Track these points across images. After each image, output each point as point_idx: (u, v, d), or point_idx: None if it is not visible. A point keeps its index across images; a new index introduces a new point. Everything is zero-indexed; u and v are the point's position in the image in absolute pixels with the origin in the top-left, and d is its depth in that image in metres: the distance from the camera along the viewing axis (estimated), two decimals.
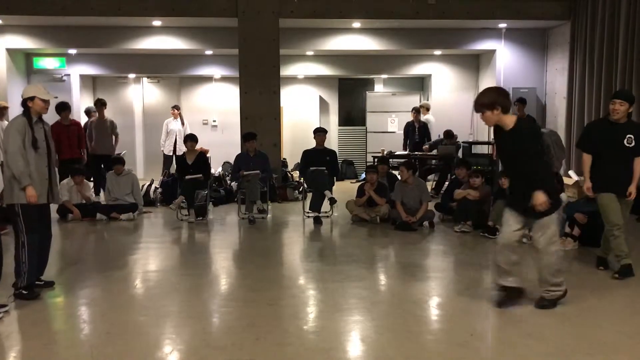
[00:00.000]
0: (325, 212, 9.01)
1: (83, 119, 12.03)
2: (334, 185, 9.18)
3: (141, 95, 14.98)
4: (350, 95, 15.49)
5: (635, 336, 4.21)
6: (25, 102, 5.12)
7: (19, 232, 5.05)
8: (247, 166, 9.09)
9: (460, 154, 11.70)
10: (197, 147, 9.58)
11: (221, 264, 6.61)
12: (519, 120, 4.65)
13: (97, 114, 11.95)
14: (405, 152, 12.26)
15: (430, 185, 11.53)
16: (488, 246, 7.21)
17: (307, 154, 9.37)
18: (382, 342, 4.13)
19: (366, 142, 14.88)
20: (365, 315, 4.68)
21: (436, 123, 13.89)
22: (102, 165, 10.71)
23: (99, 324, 4.58)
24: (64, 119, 9.90)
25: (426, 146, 12.37)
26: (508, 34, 12.74)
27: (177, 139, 12.55)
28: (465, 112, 14.14)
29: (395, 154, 12.11)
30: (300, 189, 10.29)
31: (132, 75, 14.64)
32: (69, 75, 13.65)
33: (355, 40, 12.77)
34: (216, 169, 12.47)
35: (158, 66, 13.98)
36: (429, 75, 14.42)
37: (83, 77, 14.04)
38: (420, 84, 15.28)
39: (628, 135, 5.50)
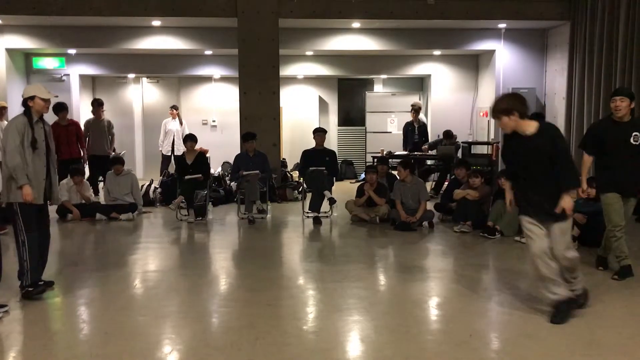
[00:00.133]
0: (325, 212, 9.01)
1: (82, 119, 12.01)
2: (333, 185, 9.18)
3: (141, 95, 14.98)
4: (350, 95, 15.49)
5: (634, 337, 4.21)
6: (25, 102, 5.13)
7: (19, 230, 5.07)
8: (246, 166, 9.10)
9: (459, 154, 11.71)
10: (197, 147, 9.58)
11: (221, 264, 6.61)
12: (543, 124, 4.58)
13: (103, 112, 12.03)
14: (405, 152, 12.26)
15: (429, 186, 11.54)
16: (487, 246, 7.22)
17: (306, 154, 9.38)
18: (381, 342, 4.13)
19: (365, 142, 14.88)
20: (365, 315, 4.68)
21: (435, 123, 13.96)
22: (100, 166, 10.71)
23: (98, 324, 4.58)
24: (62, 119, 9.90)
25: (425, 146, 12.39)
26: (507, 34, 12.75)
27: (175, 139, 12.57)
28: (465, 112, 14.17)
29: (395, 154, 12.11)
30: (300, 189, 10.29)
31: (131, 75, 14.64)
32: (68, 75, 13.64)
33: (354, 40, 12.77)
34: (216, 169, 12.48)
35: (157, 66, 13.98)
36: (429, 76, 14.42)
37: (82, 77, 14.03)
38: (420, 84, 15.29)
39: (634, 133, 5.45)
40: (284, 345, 4.07)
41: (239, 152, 10.03)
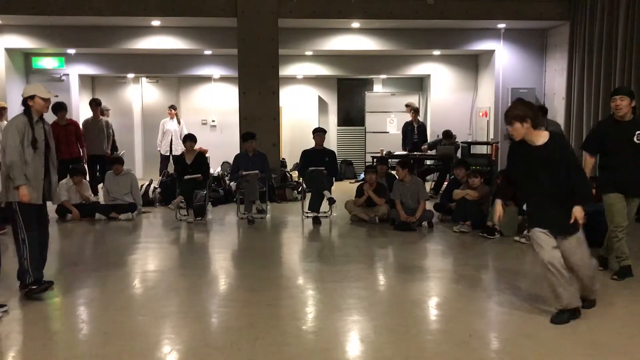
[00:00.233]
0: (324, 212, 9.01)
1: (82, 119, 12.01)
2: (332, 185, 9.18)
3: (140, 95, 14.98)
4: (349, 95, 15.49)
5: (634, 337, 4.22)
6: (25, 101, 5.12)
7: (19, 229, 5.05)
8: (246, 166, 9.09)
9: (459, 154, 11.71)
10: (196, 147, 9.57)
11: (220, 264, 6.61)
12: (554, 135, 4.57)
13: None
14: (404, 152, 12.26)
15: (429, 186, 11.55)
16: (487, 246, 7.23)
17: (306, 154, 9.38)
18: (381, 342, 4.13)
19: (365, 142, 14.88)
20: (364, 315, 4.69)
21: (435, 123, 13.96)
22: (98, 166, 10.72)
23: (97, 324, 4.58)
24: (61, 119, 9.89)
25: (425, 146, 12.40)
26: (507, 34, 12.75)
27: (173, 138, 12.60)
28: (464, 112, 14.16)
29: (394, 154, 12.11)
30: (299, 189, 10.29)
31: (131, 75, 14.63)
32: (67, 75, 13.63)
33: (354, 40, 12.77)
34: (215, 169, 12.49)
35: (157, 66, 13.97)
36: (428, 76, 14.42)
37: (82, 77, 14.02)
38: (419, 84, 15.29)
39: (637, 132, 5.42)
40: (284, 345, 4.07)
41: (238, 152, 10.02)
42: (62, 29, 12.21)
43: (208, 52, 13.44)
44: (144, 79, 14.91)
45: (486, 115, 13.41)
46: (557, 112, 12.22)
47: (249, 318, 4.59)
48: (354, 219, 8.76)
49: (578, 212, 4.39)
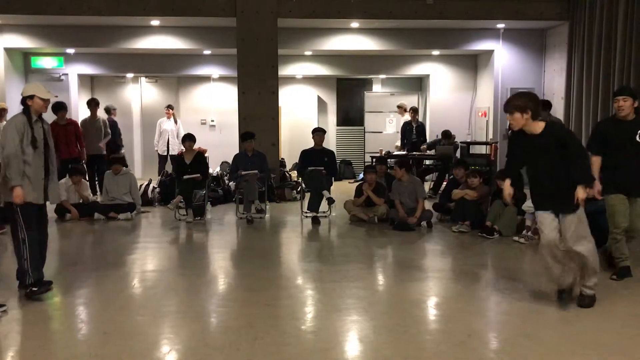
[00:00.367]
0: (324, 212, 9.01)
1: (81, 119, 12.01)
2: (332, 185, 9.18)
3: (139, 94, 14.97)
4: (349, 95, 15.49)
5: (633, 337, 4.22)
6: (24, 101, 5.10)
7: (19, 229, 5.03)
8: (245, 166, 9.09)
9: (458, 154, 11.71)
10: (195, 146, 9.57)
11: (219, 263, 6.61)
12: (548, 123, 4.75)
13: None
14: (403, 152, 12.27)
15: (428, 186, 11.56)
16: (486, 246, 7.23)
17: (305, 154, 9.38)
18: (380, 342, 4.13)
19: (364, 142, 14.89)
20: (363, 315, 4.69)
21: (434, 123, 13.97)
22: (96, 166, 10.71)
23: (96, 323, 4.58)
24: (60, 118, 9.89)
25: (424, 146, 12.41)
26: (506, 34, 12.75)
27: (170, 138, 12.62)
28: (464, 112, 14.16)
29: (394, 154, 12.12)
30: (299, 189, 10.29)
31: (130, 75, 14.63)
32: (67, 74, 13.63)
33: (353, 40, 12.77)
34: (214, 169, 12.48)
35: (156, 66, 13.97)
36: (427, 76, 14.42)
37: (81, 77, 14.02)
38: (419, 84, 15.29)
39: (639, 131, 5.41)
40: (283, 345, 4.07)
41: (237, 151, 10.02)
42: (61, 29, 12.21)
43: (207, 51, 13.44)
44: (143, 79, 14.90)
45: (485, 115, 13.42)
46: (557, 112, 12.21)
47: (248, 318, 4.59)
48: (353, 219, 8.76)
49: (580, 192, 4.59)
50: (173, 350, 4.02)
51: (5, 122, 8.79)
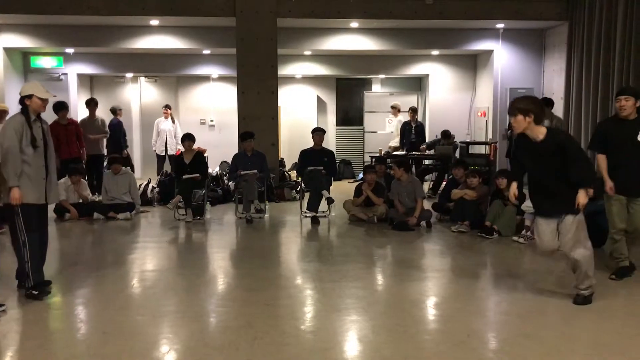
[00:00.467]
0: (323, 211, 9.01)
1: (80, 118, 12.01)
2: (331, 185, 9.18)
3: (138, 94, 14.96)
4: (348, 95, 15.49)
5: (632, 337, 4.22)
6: (23, 100, 5.06)
7: (19, 231, 4.99)
8: (244, 166, 9.09)
9: (457, 154, 11.71)
10: (195, 146, 9.56)
11: (218, 263, 6.61)
12: (550, 130, 4.83)
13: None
14: (402, 152, 12.28)
15: (427, 185, 11.56)
16: (485, 246, 7.23)
17: (304, 153, 9.38)
18: (379, 342, 4.13)
19: (364, 142, 14.88)
20: (363, 315, 4.69)
21: (433, 123, 13.97)
22: (95, 165, 10.71)
23: (95, 323, 4.58)
24: (62, 118, 9.88)
25: (423, 146, 12.41)
26: (505, 34, 12.75)
27: (168, 138, 12.63)
28: (463, 112, 14.16)
29: (393, 153, 12.12)
30: (298, 189, 10.29)
31: (129, 75, 14.62)
32: (66, 74, 13.62)
33: (353, 40, 12.76)
34: (214, 169, 12.48)
35: (155, 65, 13.96)
36: (427, 76, 14.42)
37: (80, 76, 14.01)
38: (418, 84, 15.29)
39: None
40: (282, 345, 4.07)
41: (237, 151, 10.02)
42: (60, 28, 12.19)
43: (207, 51, 13.43)
44: (142, 79, 14.90)
45: (485, 115, 13.42)
46: (556, 112, 12.22)
47: (247, 318, 4.59)
48: (353, 219, 8.76)
49: (581, 197, 4.66)
50: (172, 350, 4.02)
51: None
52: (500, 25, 12.37)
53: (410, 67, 14.24)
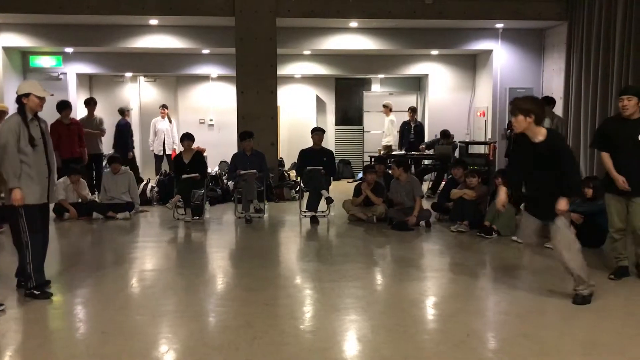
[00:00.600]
0: (322, 211, 9.01)
1: (79, 118, 12.00)
2: (330, 185, 9.17)
3: (138, 94, 14.95)
4: (347, 94, 15.48)
5: (632, 337, 4.22)
6: (20, 99, 5.00)
7: (22, 232, 4.95)
8: (244, 165, 9.09)
9: (456, 153, 11.71)
10: (194, 146, 9.56)
11: (218, 263, 6.61)
12: (550, 132, 4.90)
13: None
14: (402, 152, 12.29)
15: (426, 185, 11.56)
16: (484, 246, 7.23)
17: (304, 153, 9.37)
18: (379, 342, 4.13)
19: (363, 142, 14.88)
20: (362, 314, 4.69)
21: (433, 123, 13.97)
22: (94, 165, 10.71)
23: (94, 323, 4.58)
24: (65, 117, 9.87)
25: (423, 146, 12.42)
26: (505, 34, 12.75)
27: (165, 138, 12.62)
28: (462, 112, 14.16)
29: (392, 153, 12.12)
30: (297, 189, 10.29)
31: (128, 74, 14.61)
32: (65, 73, 13.60)
33: (352, 39, 12.76)
34: (213, 168, 12.47)
35: (155, 65, 13.95)
36: (426, 75, 14.41)
37: (80, 76, 13.99)
38: (417, 84, 15.29)
39: None
40: (282, 344, 4.07)
41: (236, 151, 10.02)
42: (59, 28, 12.18)
43: (206, 51, 13.42)
44: (141, 78, 14.88)
45: (484, 115, 13.42)
46: (555, 111, 12.23)
47: (246, 317, 4.59)
48: (352, 219, 8.76)
49: (561, 203, 4.75)
50: (171, 350, 4.01)
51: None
52: (499, 25, 12.37)
53: (409, 67, 14.23)
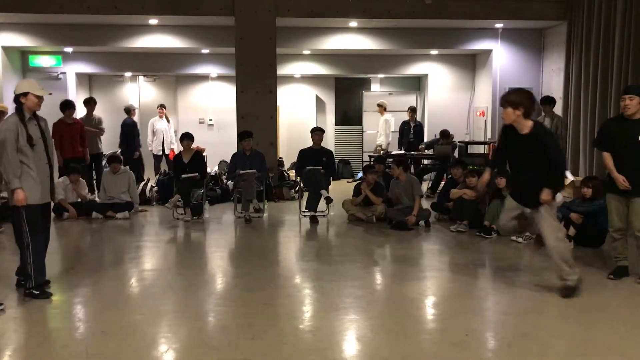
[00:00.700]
0: (322, 211, 9.01)
1: (78, 118, 12.00)
2: (330, 184, 9.17)
3: (137, 93, 14.95)
4: (347, 94, 15.47)
5: (630, 337, 4.22)
6: (18, 98, 4.96)
7: (23, 233, 4.93)
8: (243, 165, 9.08)
9: (456, 153, 11.71)
10: (193, 145, 9.56)
11: (217, 263, 6.61)
12: (536, 125, 5.04)
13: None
14: (401, 152, 12.28)
15: (426, 185, 11.56)
16: (484, 246, 7.23)
17: (303, 153, 9.37)
18: (378, 342, 4.13)
19: (362, 142, 14.88)
20: (361, 314, 4.69)
21: (432, 123, 13.97)
22: (93, 164, 10.70)
23: (94, 322, 4.57)
24: (68, 117, 9.85)
25: (422, 146, 12.42)
26: (504, 34, 12.75)
27: (164, 137, 12.62)
28: (462, 111, 14.16)
29: (392, 153, 12.12)
30: (297, 188, 10.29)
31: (128, 74, 14.61)
32: (65, 73, 13.60)
33: (352, 39, 12.76)
34: (212, 168, 12.47)
35: (154, 64, 13.95)
36: (426, 75, 14.42)
37: (79, 76, 13.99)
38: (417, 84, 15.29)
39: None
40: (281, 344, 4.07)
41: (235, 150, 10.01)
42: (59, 27, 12.17)
43: (205, 50, 13.42)
44: (141, 78, 14.89)
45: (483, 115, 13.42)
46: (555, 111, 12.24)
47: (246, 317, 4.59)
48: (351, 218, 8.76)
49: (544, 194, 4.92)
50: (171, 350, 4.01)
51: None
52: (499, 25, 12.38)
53: (409, 67, 14.24)
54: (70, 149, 9.77)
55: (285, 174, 12.36)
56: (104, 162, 10.99)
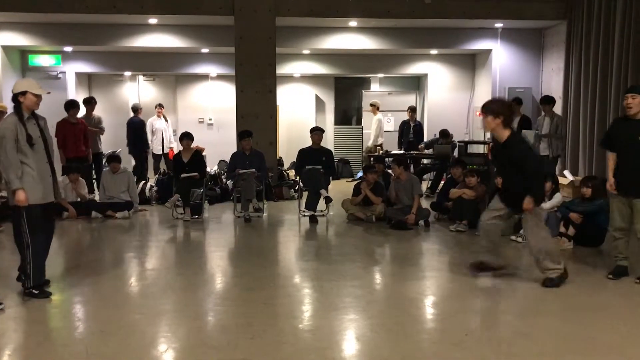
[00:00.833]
0: (321, 211, 9.01)
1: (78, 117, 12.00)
2: (329, 184, 9.17)
3: (137, 93, 14.95)
4: (347, 94, 15.48)
5: (629, 336, 4.22)
6: (16, 97, 4.93)
7: (23, 233, 4.92)
8: (243, 165, 9.08)
9: (455, 153, 11.72)
10: (193, 145, 9.56)
11: (217, 262, 6.61)
12: (511, 135, 5.23)
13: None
14: (401, 152, 12.29)
15: (425, 185, 11.56)
16: None
17: (303, 153, 9.37)
18: (378, 341, 4.13)
19: (362, 141, 14.88)
20: (361, 314, 4.69)
21: (432, 122, 13.98)
22: (92, 164, 10.69)
23: (93, 322, 4.57)
24: (72, 116, 9.84)
25: (422, 145, 12.42)
26: (504, 33, 12.76)
27: (163, 137, 12.63)
28: (461, 111, 14.17)
29: (391, 153, 12.13)
30: (296, 188, 10.29)
31: (127, 73, 14.61)
32: (64, 72, 13.60)
33: (351, 39, 12.76)
34: (212, 168, 12.47)
35: (154, 64, 13.96)
36: (425, 75, 14.43)
37: (79, 75, 13.99)
38: (417, 83, 15.29)
39: None
40: (280, 344, 4.07)
41: (235, 150, 10.01)
42: (59, 27, 12.18)
43: (205, 50, 13.42)
44: (140, 77, 14.89)
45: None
46: (554, 111, 12.23)
47: (245, 317, 4.59)
48: (351, 218, 8.76)
49: (526, 203, 5.13)
50: (170, 349, 4.01)
51: None
52: (498, 25, 12.38)
53: (408, 66, 14.24)
54: (74, 148, 9.75)
55: (285, 174, 12.35)
56: (103, 162, 10.99)
